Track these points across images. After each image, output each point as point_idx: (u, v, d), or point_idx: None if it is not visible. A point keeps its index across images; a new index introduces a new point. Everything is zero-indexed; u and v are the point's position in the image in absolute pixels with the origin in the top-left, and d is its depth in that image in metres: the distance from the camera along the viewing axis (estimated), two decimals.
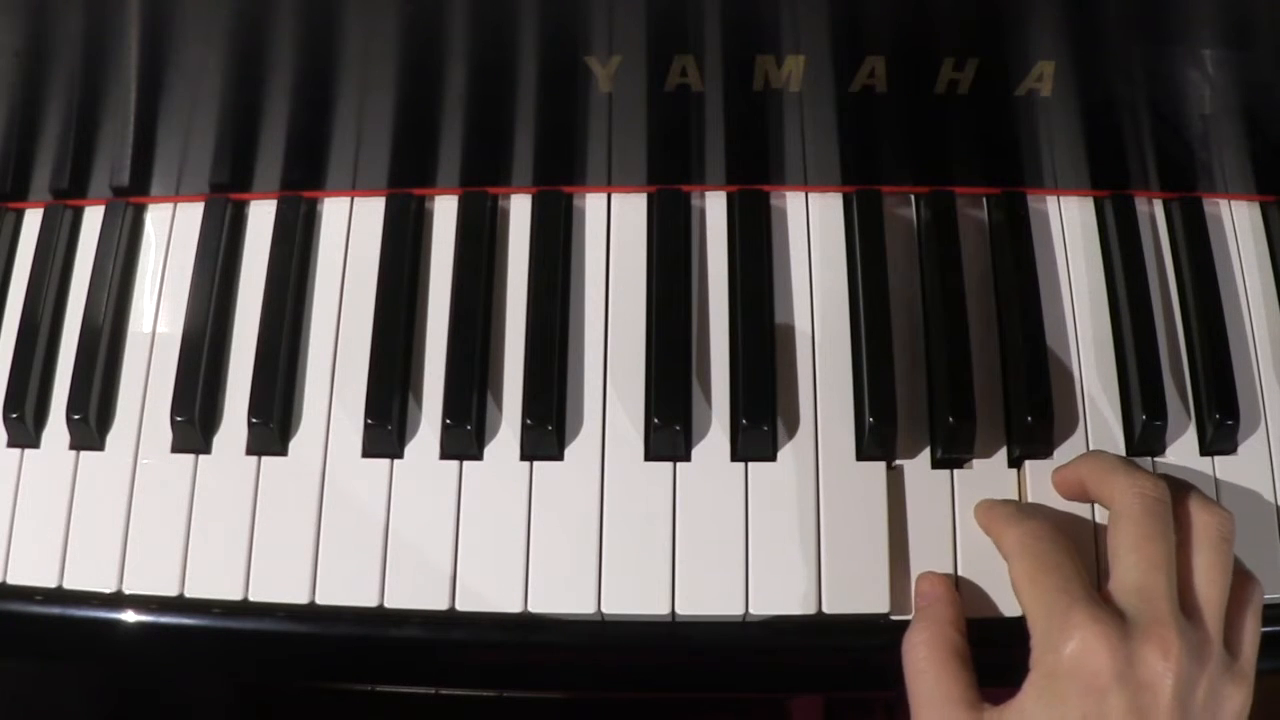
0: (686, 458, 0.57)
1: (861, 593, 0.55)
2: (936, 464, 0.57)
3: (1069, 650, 0.46)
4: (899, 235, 0.61)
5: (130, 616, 0.56)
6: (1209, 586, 0.48)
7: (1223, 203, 0.63)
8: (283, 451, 0.58)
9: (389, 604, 0.55)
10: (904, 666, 0.51)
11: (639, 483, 0.56)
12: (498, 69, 0.55)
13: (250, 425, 0.57)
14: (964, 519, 0.56)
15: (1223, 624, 0.48)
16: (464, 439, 0.57)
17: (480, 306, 0.59)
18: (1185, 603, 0.48)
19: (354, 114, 0.58)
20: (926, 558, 0.55)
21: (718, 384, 0.58)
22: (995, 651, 0.51)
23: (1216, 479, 0.57)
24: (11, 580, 0.57)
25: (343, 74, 0.56)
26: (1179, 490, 0.51)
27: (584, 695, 0.68)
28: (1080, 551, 0.51)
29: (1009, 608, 0.54)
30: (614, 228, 0.62)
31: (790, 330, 0.59)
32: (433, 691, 0.66)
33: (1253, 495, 0.57)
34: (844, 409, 0.58)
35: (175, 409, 0.58)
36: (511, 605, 0.55)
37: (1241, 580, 0.50)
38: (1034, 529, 0.50)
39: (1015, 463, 0.57)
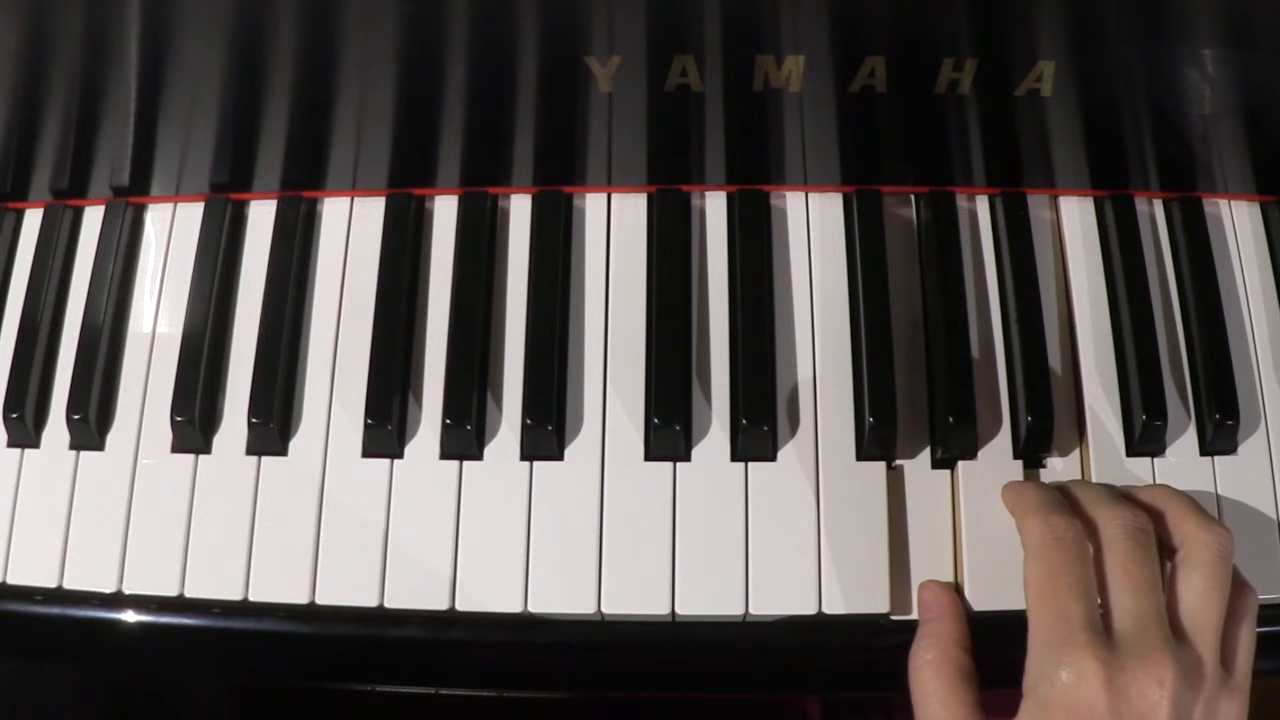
0: (686, 458, 0.57)
1: (861, 593, 0.55)
2: (936, 464, 0.57)
3: (1062, 681, 0.46)
4: (899, 235, 0.61)
5: (130, 616, 0.56)
6: (1204, 606, 0.48)
7: (1223, 203, 0.63)
8: (283, 451, 0.58)
9: (389, 604, 0.55)
10: (910, 684, 0.52)
11: (639, 483, 0.56)
12: (497, 69, 0.55)
13: (250, 425, 0.57)
14: (964, 519, 0.56)
15: (1219, 643, 0.48)
16: (464, 439, 0.57)
17: (480, 306, 0.59)
18: (1180, 624, 0.48)
19: (354, 114, 0.58)
20: (926, 558, 0.55)
21: (718, 384, 0.58)
22: (995, 652, 0.51)
23: (1216, 479, 0.57)
24: (11, 580, 0.57)
25: (343, 74, 0.56)
26: (1179, 507, 0.51)
27: (584, 695, 0.68)
28: None
29: (1010, 607, 0.53)
30: (614, 228, 0.62)
31: (790, 330, 0.59)
32: (433, 691, 0.66)
33: (1253, 495, 0.57)
34: (844, 409, 0.58)
35: (175, 409, 0.58)
36: (511, 605, 0.55)
37: (1235, 591, 0.50)
38: (1055, 527, 0.50)
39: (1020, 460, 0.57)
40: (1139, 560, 0.49)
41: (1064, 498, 0.53)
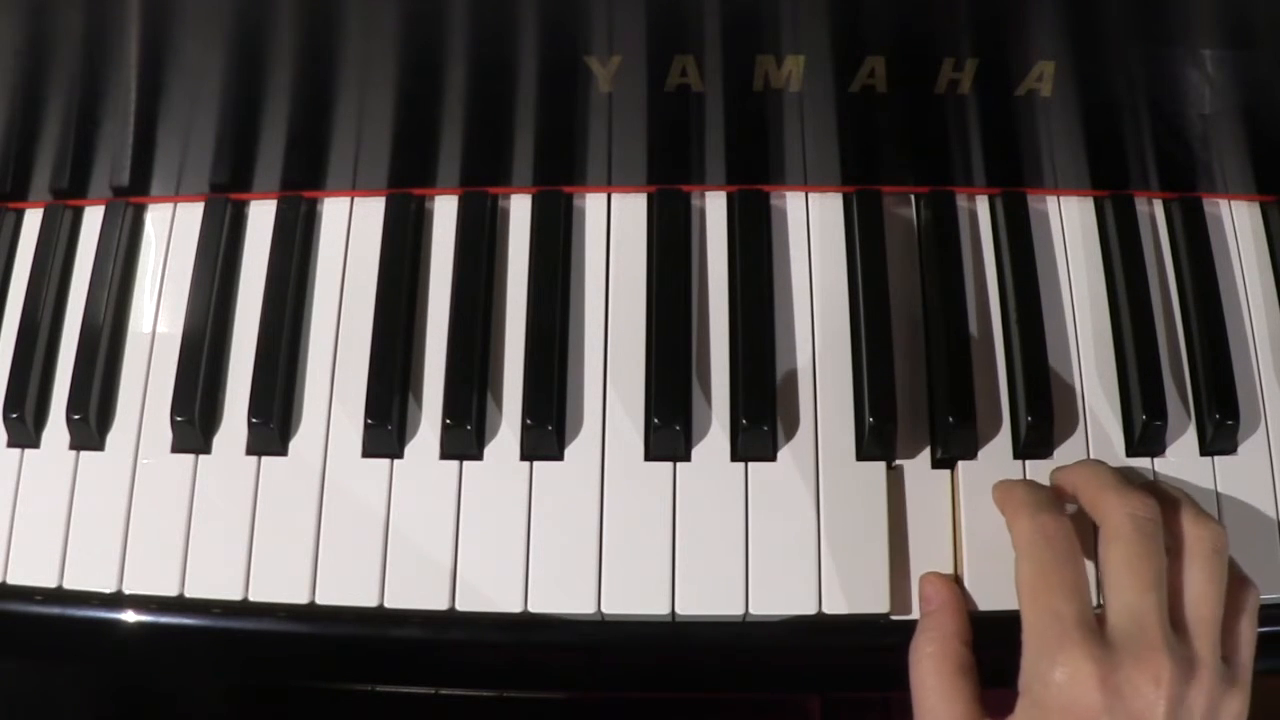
0: (686, 458, 0.57)
1: (861, 593, 0.55)
2: (936, 464, 0.57)
3: (1057, 680, 0.46)
4: (899, 235, 0.61)
5: (130, 616, 0.56)
6: (1202, 602, 0.48)
7: (1223, 203, 0.63)
8: (283, 451, 0.58)
9: (389, 604, 0.55)
10: (910, 676, 0.52)
11: (639, 483, 0.56)
12: (498, 69, 0.55)
13: (250, 425, 0.57)
14: (964, 519, 0.56)
15: (1218, 637, 0.48)
16: (464, 439, 0.57)
17: (480, 306, 0.59)
18: (1178, 620, 0.48)
19: (354, 114, 0.58)
20: (926, 558, 0.55)
21: (718, 384, 0.58)
22: (995, 651, 0.51)
23: (1216, 479, 0.57)
24: (11, 580, 0.57)
25: (343, 74, 0.56)
26: (1172, 503, 0.51)
27: (584, 695, 0.68)
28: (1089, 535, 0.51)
29: (1010, 607, 0.53)
30: (614, 228, 0.62)
31: (790, 330, 0.59)
32: (432, 691, 0.66)
33: (1253, 495, 0.57)
34: (844, 409, 0.58)
35: (175, 409, 0.58)
36: (511, 605, 0.55)
37: (1236, 586, 0.50)
38: (1044, 526, 0.50)
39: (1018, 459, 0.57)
40: (1144, 555, 0.48)
41: (1055, 494, 0.52)
